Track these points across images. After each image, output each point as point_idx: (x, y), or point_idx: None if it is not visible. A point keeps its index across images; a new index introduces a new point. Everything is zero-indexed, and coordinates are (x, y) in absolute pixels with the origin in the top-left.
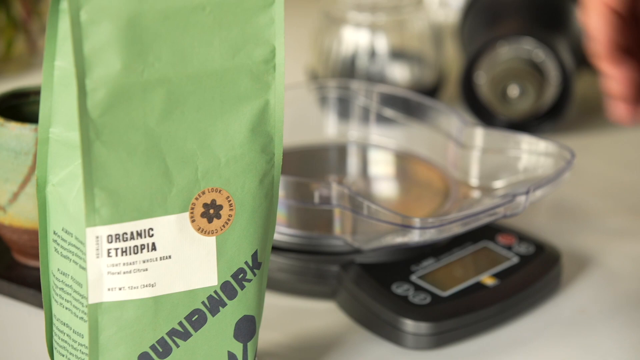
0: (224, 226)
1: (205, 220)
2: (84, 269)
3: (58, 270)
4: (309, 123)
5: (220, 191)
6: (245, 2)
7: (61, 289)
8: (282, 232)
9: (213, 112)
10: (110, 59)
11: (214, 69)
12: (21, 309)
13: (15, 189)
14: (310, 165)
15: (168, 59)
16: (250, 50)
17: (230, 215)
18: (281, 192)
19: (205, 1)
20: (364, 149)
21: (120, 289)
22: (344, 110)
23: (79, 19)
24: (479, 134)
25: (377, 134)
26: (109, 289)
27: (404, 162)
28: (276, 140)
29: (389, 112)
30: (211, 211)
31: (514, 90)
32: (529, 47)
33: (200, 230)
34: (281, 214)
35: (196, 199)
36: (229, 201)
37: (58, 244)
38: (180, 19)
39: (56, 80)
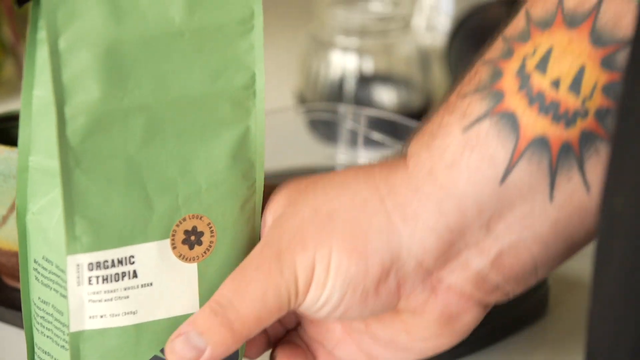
0: (205, 252)
1: (186, 246)
2: (65, 297)
3: (39, 298)
4: (297, 146)
5: (201, 217)
6: (225, 28)
7: (42, 317)
8: None
9: (194, 138)
10: (89, 86)
11: (194, 95)
12: (10, 331)
13: (4, 212)
14: None
15: (148, 85)
16: (230, 76)
17: (211, 242)
18: None
19: (184, 27)
20: None
21: (101, 316)
22: (331, 133)
23: (57, 46)
24: None
25: (365, 157)
26: (90, 317)
27: None
28: (257, 166)
29: (376, 136)
30: (192, 238)
31: None
32: None
33: (182, 257)
34: None
35: (177, 225)
36: (210, 227)
37: (39, 272)
38: (159, 45)
39: (35, 109)
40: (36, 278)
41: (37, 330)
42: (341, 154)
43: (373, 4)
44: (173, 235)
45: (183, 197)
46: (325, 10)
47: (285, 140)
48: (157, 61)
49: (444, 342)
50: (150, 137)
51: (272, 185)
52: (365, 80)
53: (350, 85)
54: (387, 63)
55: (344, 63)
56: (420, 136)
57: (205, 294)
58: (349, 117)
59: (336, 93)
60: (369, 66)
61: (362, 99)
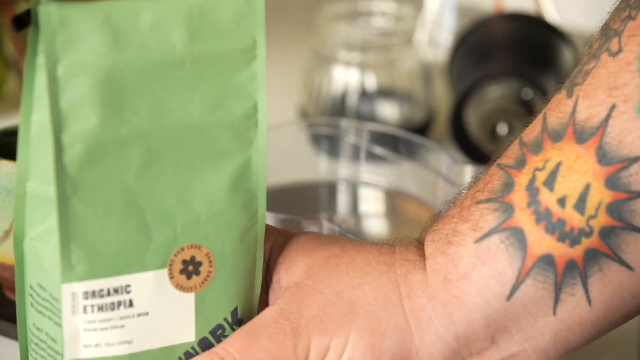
0: (203, 282)
1: (184, 276)
2: (59, 325)
3: (34, 325)
4: (300, 161)
5: (199, 247)
6: (226, 57)
7: (36, 344)
8: None
9: (192, 168)
10: (87, 113)
11: (194, 125)
12: (12, 346)
13: (7, 227)
14: (301, 202)
15: (146, 114)
16: (231, 106)
17: (209, 272)
18: None
19: (184, 56)
20: (354, 187)
21: (96, 345)
22: (334, 148)
23: (56, 73)
24: (469, 172)
25: (367, 172)
26: (84, 346)
27: (394, 199)
28: (259, 196)
29: (378, 150)
30: (190, 267)
31: (502, 128)
32: (518, 86)
33: (179, 286)
34: None
35: (175, 255)
36: (209, 257)
37: (34, 299)
38: (159, 73)
39: (33, 135)
40: (31, 304)
41: (32, 356)
42: (343, 169)
43: (375, 19)
44: (171, 264)
45: (181, 226)
46: (328, 25)
47: (288, 154)
48: (156, 89)
49: None
50: (148, 166)
51: (282, 231)
52: (367, 95)
53: (352, 100)
54: (390, 78)
55: (346, 78)
56: (436, 236)
57: (202, 324)
58: (351, 132)
59: (338, 107)
60: (371, 81)
61: (364, 114)
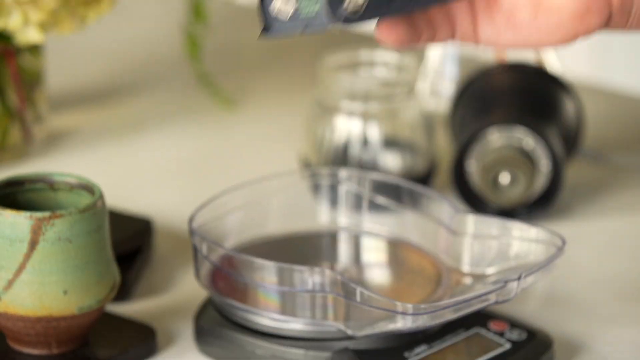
0: None
1: None
2: None
3: None
4: (302, 210)
5: None
6: None
7: None
8: (275, 319)
9: None
10: None
11: None
12: None
13: (10, 277)
14: (303, 252)
15: None
16: None
17: None
18: (274, 279)
19: None
20: (356, 236)
21: None
22: (336, 197)
23: None
24: (471, 221)
25: (369, 221)
26: None
27: (396, 248)
28: None
29: (381, 200)
30: None
31: (505, 178)
32: (520, 136)
33: None
34: (274, 300)
35: None
36: None
37: None
38: None
39: None
40: None
41: None
42: (345, 218)
43: (377, 69)
44: None
45: None
46: (330, 75)
47: (290, 204)
48: None
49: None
50: None
51: None
52: (370, 145)
53: (355, 150)
54: (392, 127)
55: (348, 127)
56: None
57: None
58: (353, 181)
59: (341, 157)
60: (373, 130)
61: (366, 163)
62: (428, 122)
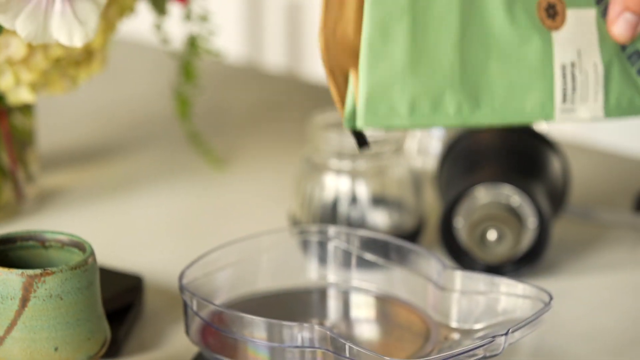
0: None
1: None
2: None
3: None
4: (292, 267)
5: None
6: None
7: None
8: None
9: None
10: None
11: None
12: None
13: (1, 334)
14: (293, 308)
15: None
16: None
17: None
18: (263, 334)
19: None
20: (345, 292)
21: None
22: (325, 254)
23: None
24: (458, 277)
25: (358, 278)
26: None
27: (385, 304)
28: None
29: (369, 256)
30: None
31: (492, 235)
32: (506, 193)
33: None
34: (264, 356)
35: None
36: None
37: None
38: None
39: None
40: None
41: None
42: (334, 275)
43: None
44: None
45: None
46: (319, 133)
47: (279, 261)
48: None
49: None
50: None
51: None
52: (358, 202)
53: (343, 207)
54: (380, 185)
55: (337, 185)
56: None
57: None
58: (342, 238)
59: (330, 215)
60: (362, 188)
61: (355, 221)
62: (416, 180)
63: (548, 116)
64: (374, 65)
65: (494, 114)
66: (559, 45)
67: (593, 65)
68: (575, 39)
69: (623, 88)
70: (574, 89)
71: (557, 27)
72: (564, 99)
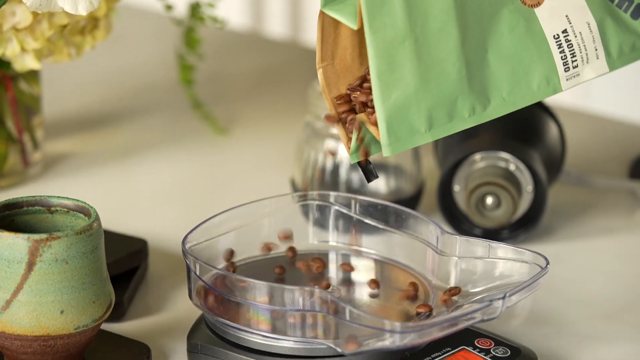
0: None
1: None
2: None
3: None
4: (293, 232)
5: None
6: None
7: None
8: (267, 337)
9: None
10: None
11: None
12: None
13: (8, 297)
14: (294, 272)
15: None
16: None
17: None
18: (265, 298)
19: None
20: (345, 257)
21: None
22: (325, 219)
23: None
24: (457, 242)
25: (358, 242)
26: None
27: (384, 269)
28: None
29: (369, 221)
30: None
31: (489, 201)
32: (504, 160)
33: None
34: (265, 319)
35: None
36: None
37: None
38: None
39: None
40: None
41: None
42: (335, 239)
43: None
44: None
45: None
46: (320, 100)
47: (281, 225)
48: None
49: None
50: None
51: None
52: (358, 168)
53: (344, 174)
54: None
55: (338, 152)
56: None
57: None
58: (342, 204)
59: (330, 181)
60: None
61: (355, 187)
62: (415, 147)
63: (556, 89)
64: (387, 96)
65: (504, 104)
66: (545, 20)
67: (586, 24)
68: (560, 6)
69: (622, 37)
70: (572, 54)
71: (538, 3)
72: (566, 68)
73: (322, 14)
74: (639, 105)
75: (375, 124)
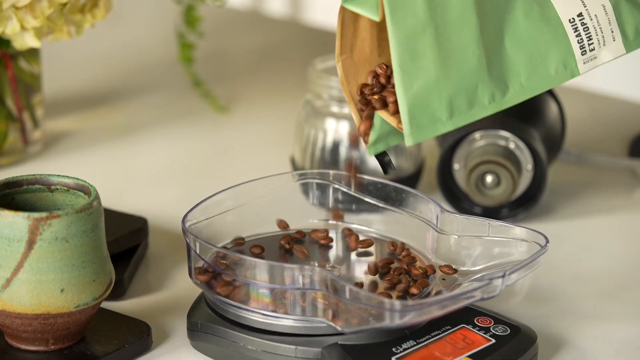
0: None
1: None
2: None
3: None
4: (293, 210)
5: None
6: None
7: None
8: (266, 315)
9: None
10: None
11: None
12: None
13: (8, 275)
14: (302, 247)
15: None
16: None
17: None
18: (265, 277)
19: None
20: (344, 235)
21: None
22: (326, 198)
23: None
24: (456, 221)
25: (358, 221)
26: None
27: (384, 247)
28: None
29: (369, 200)
30: None
31: (489, 179)
32: (504, 138)
33: None
34: (264, 298)
35: None
36: None
37: None
38: None
39: None
40: None
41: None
42: (334, 218)
43: None
44: None
45: None
46: (320, 79)
47: (281, 204)
48: None
49: None
50: None
51: None
52: (358, 147)
53: (344, 152)
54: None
55: (338, 130)
56: None
57: None
58: (342, 182)
59: (330, 159)
60: None
61: (355, 165)
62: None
63: (573, 72)
64: (409, 85)
65: (523, 90)
66: (559, 4)
67: (601, 7)
68: None
69: (637, 18)
70: (589, 37)
71: None
72: (583, 51)
73: (343, 9)
74: (639, 83)
75: (395, 114)
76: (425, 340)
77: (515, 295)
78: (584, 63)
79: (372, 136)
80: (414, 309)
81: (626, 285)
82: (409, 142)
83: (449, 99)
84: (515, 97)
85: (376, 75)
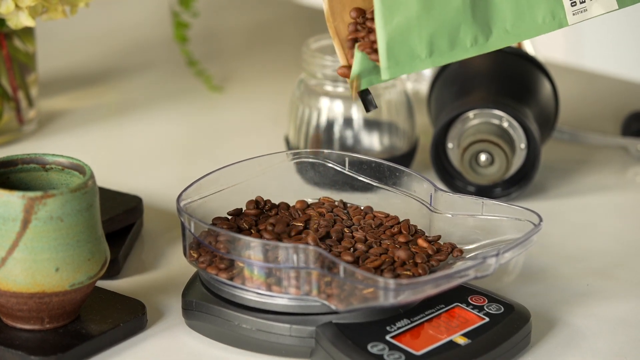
0: None
1: None
2: None
3: None
4: (287, 190)
5: None
6: None
7: None
8: (261, 294)
9: None
10: None
11: None
12: None
13: (3, 254)
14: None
15: None
16: None
17: None
18: (259, 255)
19: None
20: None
21: None
22: (320, 177)
23: None
24: (450, 199)
25: (352, 200)
26: None
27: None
28: None
29: (363, 179)
30: None
31: (482, 158)
32: (497, 117)
33: None
34: (259, 276)
35: None
36: None
37: None
38: None
39: None
40: None
41: None
42: (328, 196)
43: None
44: None
45: None
46: (314, 58)
47: (276, 182)
48: None
49: None
50: None
51: None
52: (352, 126)
53: (338, 131)
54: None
55: (332, 109)
56: None
57: None
58: (336, 161)
59: (325, 138)
60: (355, 112)
61: (349, 144)
62: (409, 103)
63: (562, 23)
64: (389, 19)
65: (507, 35)
66: None
67: None
68: None
69: None
70: None
71: None
72: (572, 2)
73: None
74: (632, 61)
75: (377, 50)
76: (419, 319)
77: (508, 274)
78: (574, 14)
79: (354, 69)
80: (408, 287)
81: (619, 263)
82: (384, 75)
83: (430, 36)
84: (498, 41)
85: (362, 12)
